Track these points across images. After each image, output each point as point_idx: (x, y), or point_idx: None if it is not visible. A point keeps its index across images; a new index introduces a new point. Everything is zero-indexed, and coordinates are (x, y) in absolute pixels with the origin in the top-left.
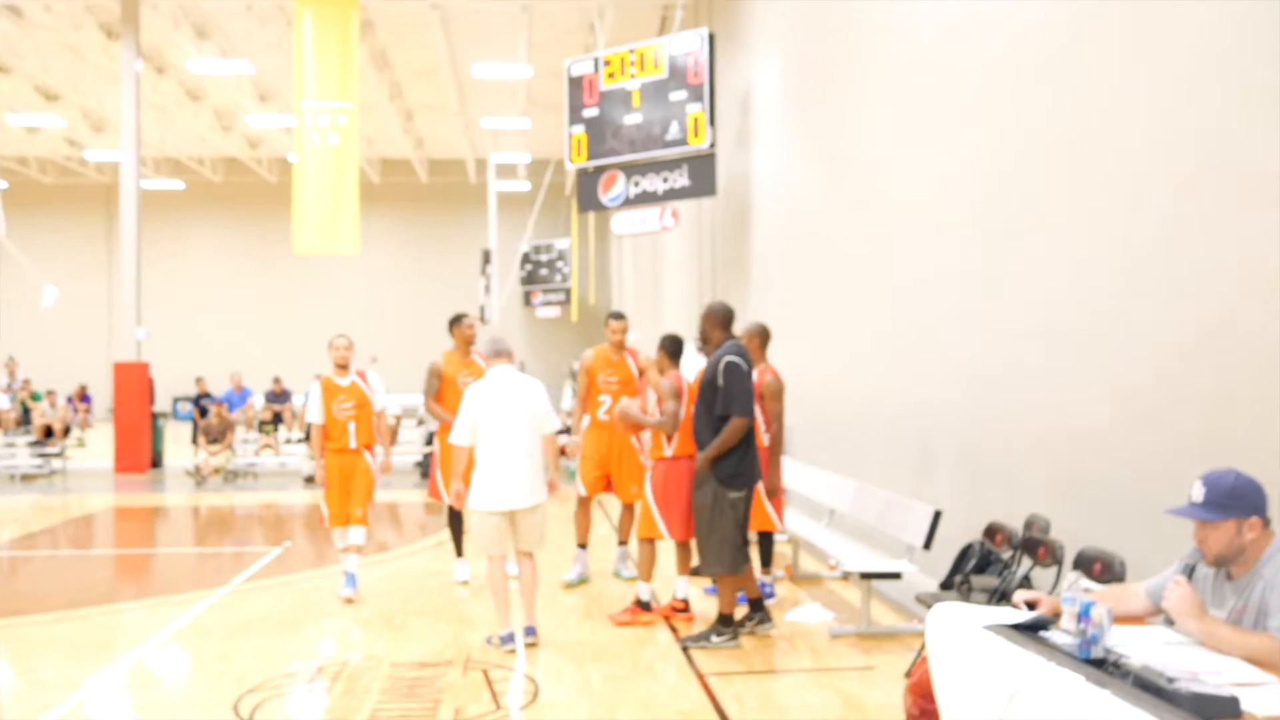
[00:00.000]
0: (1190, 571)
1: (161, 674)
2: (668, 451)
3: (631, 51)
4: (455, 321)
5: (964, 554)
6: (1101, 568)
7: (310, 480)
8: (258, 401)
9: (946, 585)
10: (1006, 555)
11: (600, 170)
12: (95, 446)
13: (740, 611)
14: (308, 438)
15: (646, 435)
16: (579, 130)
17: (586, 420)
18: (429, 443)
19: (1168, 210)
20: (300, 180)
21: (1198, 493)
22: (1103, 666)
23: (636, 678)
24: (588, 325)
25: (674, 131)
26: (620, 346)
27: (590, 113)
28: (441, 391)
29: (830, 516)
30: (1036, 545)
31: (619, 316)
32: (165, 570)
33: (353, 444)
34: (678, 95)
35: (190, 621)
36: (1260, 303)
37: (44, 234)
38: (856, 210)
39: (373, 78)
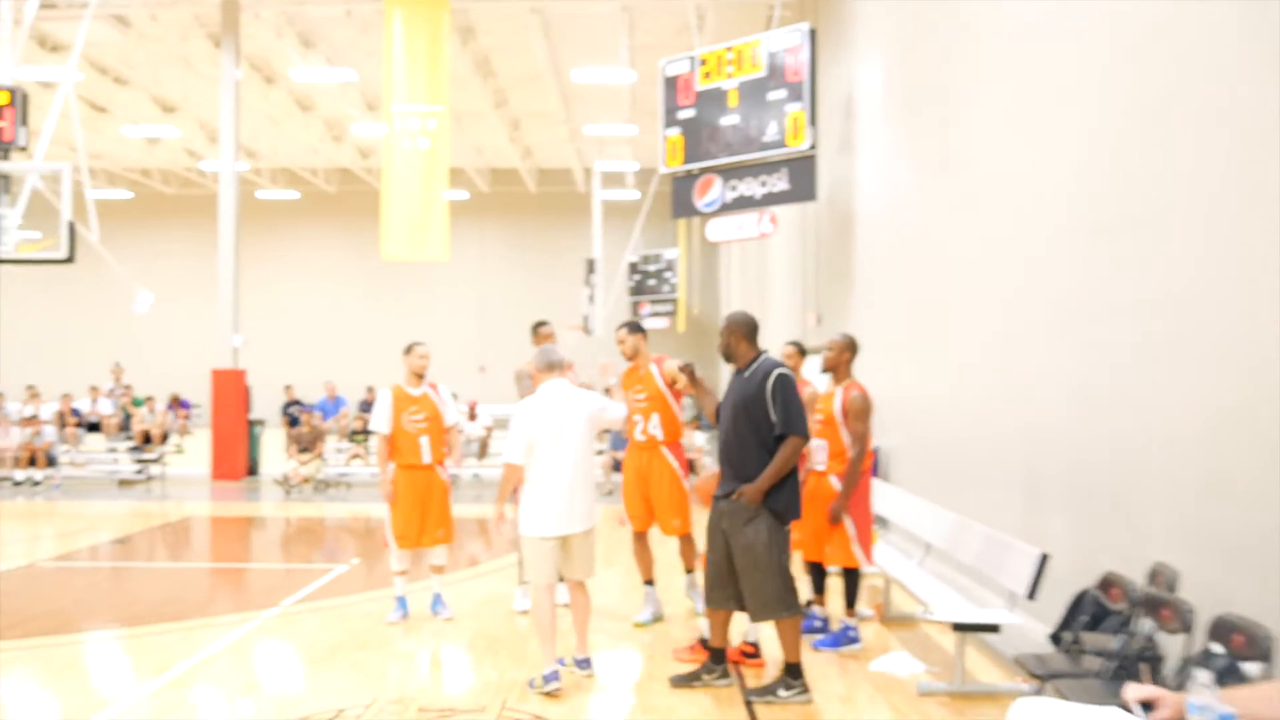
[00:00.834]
0: None
1: (168, 714)
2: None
3: (729, 49)
4: (538, 327)
5: (1077, 604)
6: (1244, 642)
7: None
8: (352, 411)
9: (1055, 639)
10: (1123, 608)
11: (696, 174)
12: (195, 453)
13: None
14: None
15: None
16: (675, 133)
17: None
18: None
19: None
20: (389, 185)
21: None
22: None
23: None
24: (695, 336)
25: (772, 132)
26: (637, 357)
27: (686, 114)
28: None
29: (926, 552)
30: (1160, 605)
31: (620, 327)
32: (220, 587)
33: (426, 459)
34: (776, 94)
35: (224, 648)
36: None
37: (168, 244)
38: (963, 216)
39: (477, 85)
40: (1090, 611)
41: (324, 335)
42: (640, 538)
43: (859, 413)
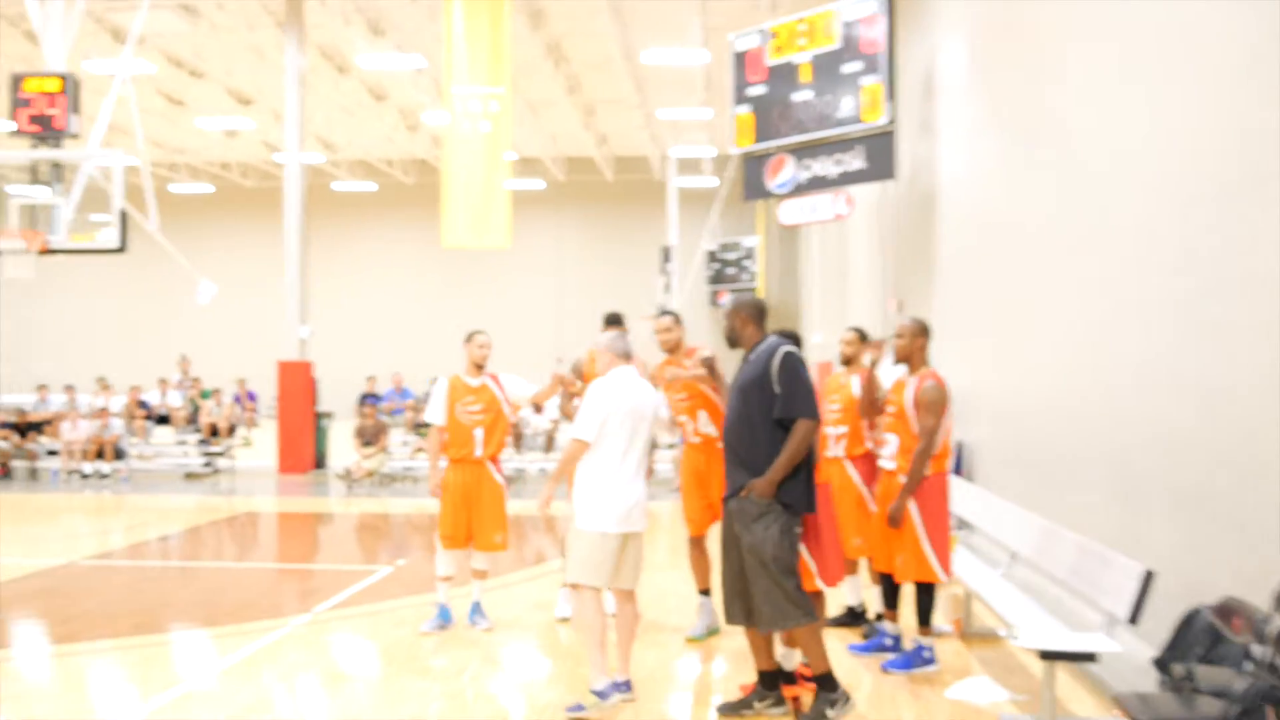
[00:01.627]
0: None
1: None
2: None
3: (801, 21)
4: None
5: (1186, 626)
6: None
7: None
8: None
9: (1161, 665)
10: (1247, 641)
11: (768, 154)
12: (263, 446)
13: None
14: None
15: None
16: (745, 110)
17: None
18: None
19: None
20: (450, 170)
21: None
22: None
23: None
24: (775, 325)
25: (847, 108)
26: (675, 351)
27: (756, 90)
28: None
29: (1011, 560)
30: None
31: (664, 314)
32: (258, 589)
33: (478, 453)
34: (851, 67)
35: (244, 659)
36: None
37: (247, 236)
38: (1054, 191)
39: (549, 71)
40: (1204, 639)
41: (400, 327)
42: (698, 543)
43: (930, 404)
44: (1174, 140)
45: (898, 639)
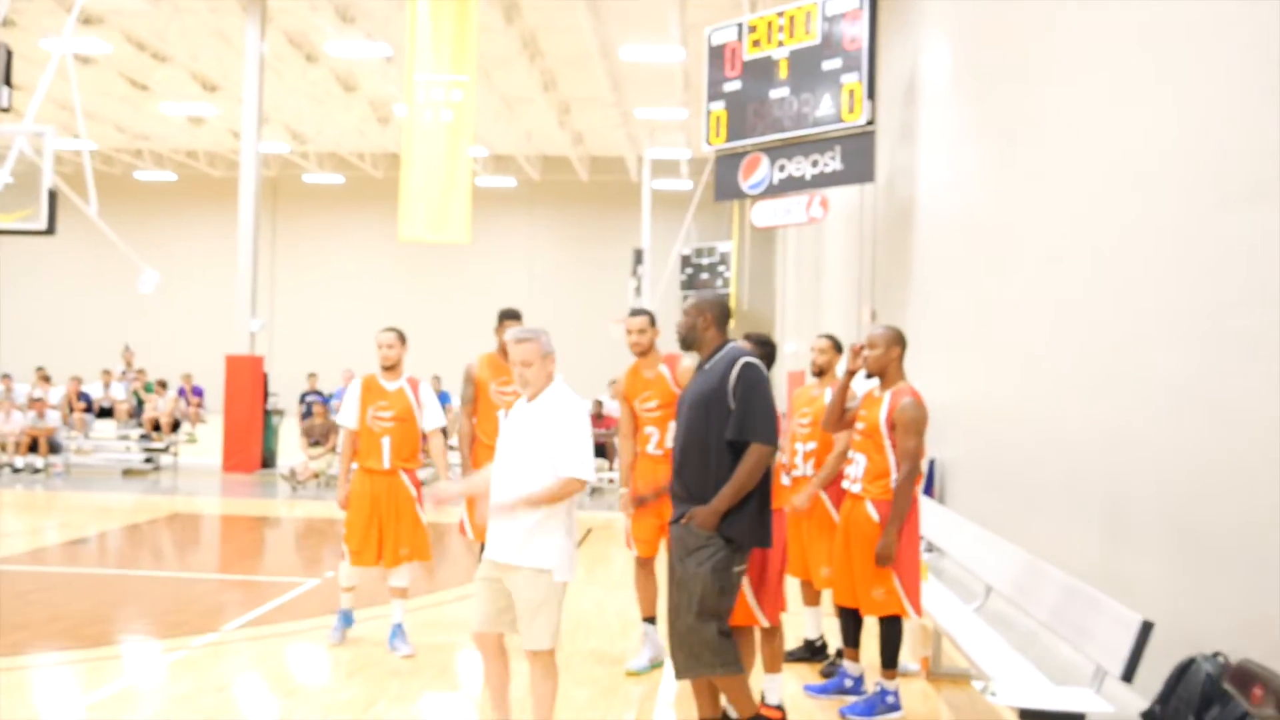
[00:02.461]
0: None
1: None
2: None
3: (780, 14)
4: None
5: (1181, 677)
6: None
7: None
8: None
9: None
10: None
11: (741, 153)
12: (210, 442)
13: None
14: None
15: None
16: (718, 107)
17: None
18: None
19: None
20: (409, 160)
21: None
22: None
23: None
24: (746, 330)
25: (826, 107)
26: (646, 354)
27: (732, 86)
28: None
29: (986, 596)
30: None
31: (637, 314)
32: (166, 602)
33: (386, 464)
34: (831, 64)
35: (116, 692)
36: None
37: (211, 225)
38: (1038, 198)
39: (524, 66)
40: (1202, 697)
41: (366, 323)
42: (645, 565)
43: (909, 424)
44: (1175, 143)
45: (859, 680)
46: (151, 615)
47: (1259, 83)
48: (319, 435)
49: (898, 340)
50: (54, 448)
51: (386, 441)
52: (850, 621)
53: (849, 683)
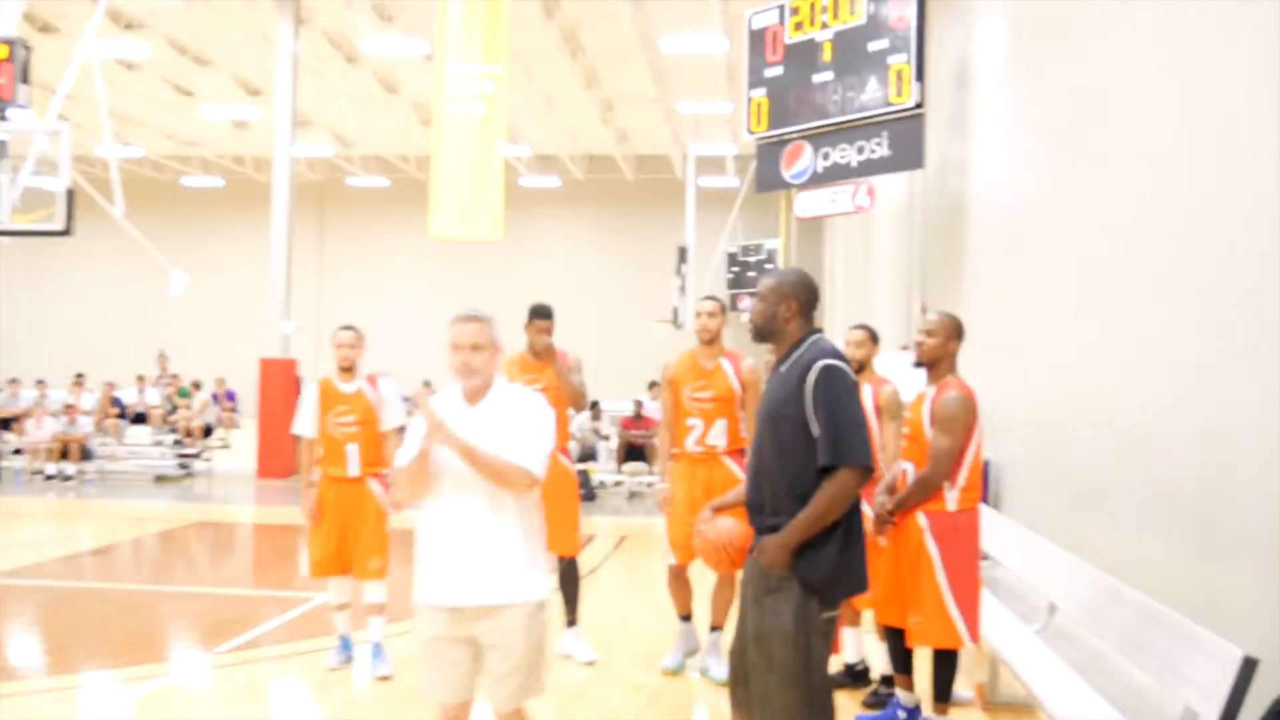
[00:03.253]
0: None
1: None
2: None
3: None
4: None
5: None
6: None
7: None
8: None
9: None
10: None
11: (784, 140)
12: (244, 448)
13: None
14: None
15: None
16: (759, 93)
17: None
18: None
19: None
20: (439, 155)
21: None
22: None
23: None
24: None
25: (872, 89)
26: (714, 342)
27: (773, 72)
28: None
29: (1050, 616)
30: None
31: (711, 298)
32: (164, 620)
33: (353, 471)
34: (878, 45)
35: None
36: None
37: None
38: (1102, 188)
39: (565, 63)
40: None
41: (412, 326)
42: (679, 574)
43: (948, 419)
44: (1246, 128)
45: (914, 711)
46: (144, 634)
47: None
48: None
49: (958, 331)
50: (85, 454)
51: (353, 449)
52: (899, 644)
53: (902, 714)
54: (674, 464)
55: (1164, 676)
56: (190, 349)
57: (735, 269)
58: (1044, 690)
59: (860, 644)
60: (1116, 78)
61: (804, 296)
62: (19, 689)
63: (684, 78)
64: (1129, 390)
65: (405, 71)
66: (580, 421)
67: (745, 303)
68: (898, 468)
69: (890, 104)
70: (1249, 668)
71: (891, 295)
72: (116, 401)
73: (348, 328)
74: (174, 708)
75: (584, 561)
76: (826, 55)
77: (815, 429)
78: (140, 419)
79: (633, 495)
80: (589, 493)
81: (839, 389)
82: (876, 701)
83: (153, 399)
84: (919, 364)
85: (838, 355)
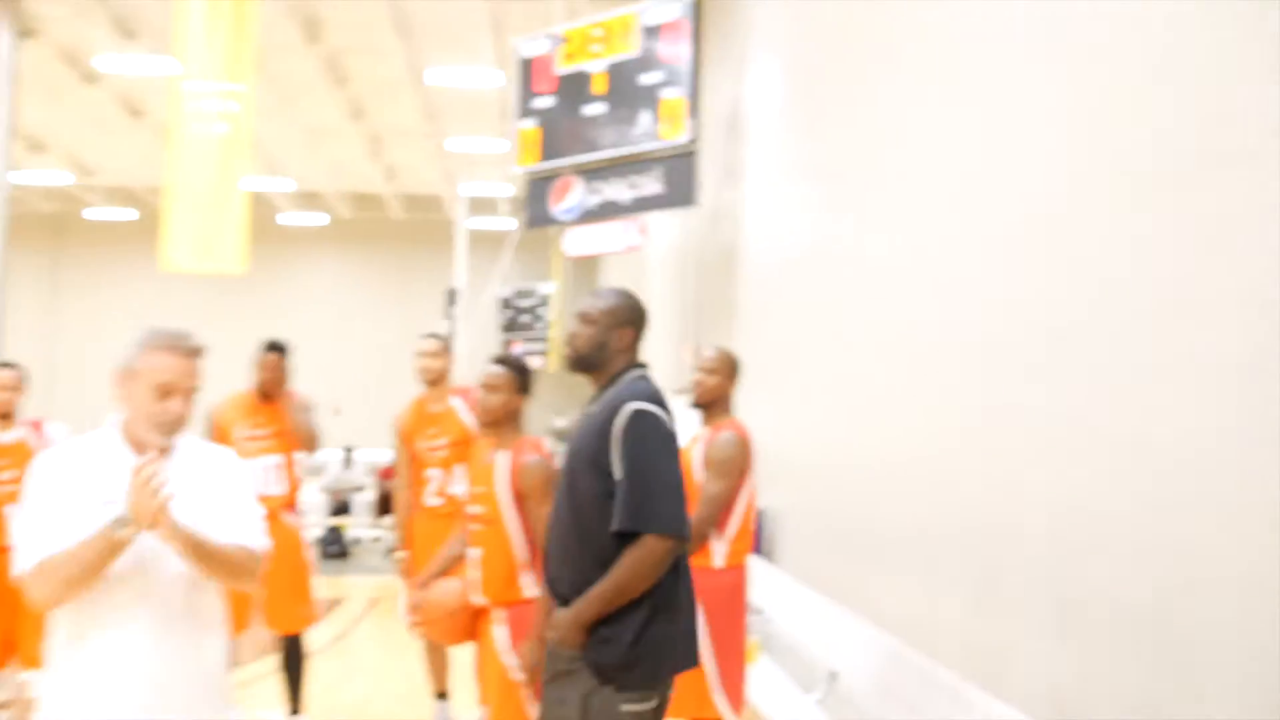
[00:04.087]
0: None
1: None
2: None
3: (597, 25)
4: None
5: None
6: None
7: None
8: None
9: None
10: None
11: (554, 174)
12: None
13: None
14: None
15: None
16: (529, 124)
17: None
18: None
19: None
20: (175, 178)
21: None
22: None
23: None
24: (567, 376)
25: (645, 124)
26: (439, 384)
27: (544, 103)
28: None
29: (830, 684)
30: None
31: (433, 336)
32: None
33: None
34: (651, 78)
35: None
36: None
37: None
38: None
39: (329, 93)
40: None
41: None
42: (436, 645)
43: (723, 462)
44: (1016, 171)
45: None
46: None
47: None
48: None
49: (735, 368)
50: None
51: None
52: None
53: None
54: (411, 524)
55: None
56: None
57: (509, 312)
58: None
59: None
60: (891, 123)
61: (639, 327)
62: None
63: (456, 113)
64: (904, 436)
65: (151, 94)
66: (334, 472)
67: (518, 347)
68: None
69: (663, 139)
70: None
71: (667, 338)
72: None
73: (6, 365)
74: None
75: (332, 627)
76: (599, 87)
77: (616, 475)
78: None
79: (391, 551)
80: (341, 549)
81: (650, 440)
82: None
83: None
84: (696, 405)
85: (656, 400)
